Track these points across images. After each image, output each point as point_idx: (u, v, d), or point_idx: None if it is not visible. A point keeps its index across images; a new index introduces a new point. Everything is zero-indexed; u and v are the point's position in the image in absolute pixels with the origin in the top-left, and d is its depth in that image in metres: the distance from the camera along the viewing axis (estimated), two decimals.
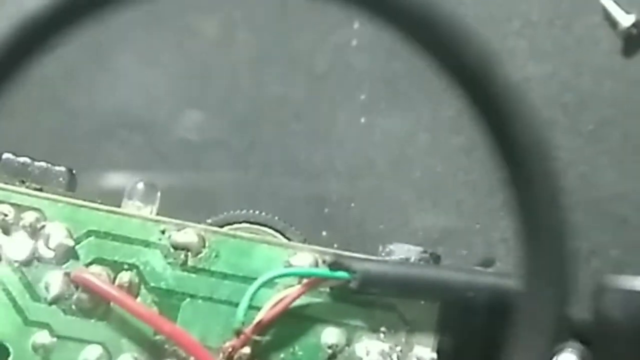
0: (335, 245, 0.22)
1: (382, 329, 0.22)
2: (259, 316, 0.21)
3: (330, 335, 0.22)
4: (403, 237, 0.24)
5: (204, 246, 0.22)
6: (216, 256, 0.22)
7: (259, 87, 0.27)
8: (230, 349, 0.21)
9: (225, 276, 0.22)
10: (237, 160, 0.27)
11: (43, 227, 0.22)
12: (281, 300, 0.22)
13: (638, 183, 0.26)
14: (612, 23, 0.26)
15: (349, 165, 0.28)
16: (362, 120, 0.28)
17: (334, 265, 0.21)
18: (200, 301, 0.22)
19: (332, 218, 0.27)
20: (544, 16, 0.27)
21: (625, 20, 0.26)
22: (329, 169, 0.28)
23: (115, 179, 0.26)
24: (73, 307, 0.22)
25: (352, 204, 0.27)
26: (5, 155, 0.22)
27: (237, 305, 0.21)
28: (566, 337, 0.23)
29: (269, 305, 0.21)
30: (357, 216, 0.27)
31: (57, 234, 0.22)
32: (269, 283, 0.21)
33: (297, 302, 0.21)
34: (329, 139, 0.28)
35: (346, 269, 0.21)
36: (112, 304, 0.22)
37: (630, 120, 0.26)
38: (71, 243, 0.22)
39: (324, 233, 0.27)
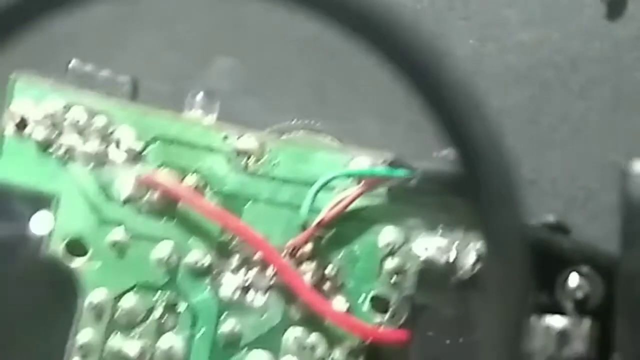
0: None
1: (440, 227, 0.23)
2: (320, 215, 0.22)
3: (388, 234, 0.23)
4: None
5: (264, 152, 0.23)
6: (276, 161, 0.23)
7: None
8: (292, 247, 0.22)
9: (285, 181, 0.23)
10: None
11: (113, 131, 0.22)
12: (341, 200, 0.23)
13: (624, 132, 0.29)
14: None
15: None
16: None
17: (393, 164, 0.22)
18: (261, 204, 0.23)
19: None
20: None
21: None
22: None
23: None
24: (144, 207, 0.23)
25: None
26: (74, 62, 0.23)
27: (297, 208, 0.23)
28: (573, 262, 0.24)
29: (330, 205, 0.22)
30: None
31: (127, 138, 0.22)
32: (330, 183, 0.22)
33: (357, 203, 0.22)
34: None
35: (406, 167, 0.22)
36: (180, 205, 0.22)
37: (617, 76, 0.29)
38: (140, 147, 0.23)
39: None
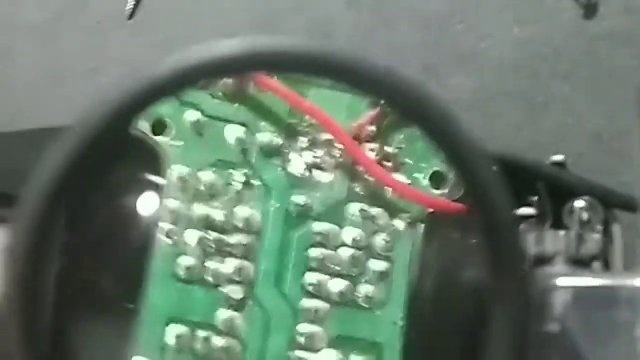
0: None
1: None
2: None
3: None
4: None
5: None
6: None
7: None
8: (357, 127, 0.25)
9: None
10: None
11: None
12: None
13: (601, 107, 0.35)
14: None
15: None
16: None
17: None
18: (325, 90, 0.25)
19: None
20: None
21: None
22: None
23: None
24: (219, 92, 0.25)
25: None
26: None
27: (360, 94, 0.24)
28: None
29: None
30: None
31: None
32: None
33: None
34: None
35: None
36: (251, 90, 0.25)
37: (593, 63, 0.36)
38: None
39: None
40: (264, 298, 0.25)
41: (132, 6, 0.42)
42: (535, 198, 0.30)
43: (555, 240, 0.28)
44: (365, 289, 0.25)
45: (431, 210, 0.25)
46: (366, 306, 0.25)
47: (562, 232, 0.28)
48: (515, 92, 0.35)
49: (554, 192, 0.29)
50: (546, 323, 0.25)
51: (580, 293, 0.25)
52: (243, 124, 0.25)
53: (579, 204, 0.29)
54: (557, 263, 0.28)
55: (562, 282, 0.26)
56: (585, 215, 0.29)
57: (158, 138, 0.25)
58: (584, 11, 0.36)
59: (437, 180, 0.26)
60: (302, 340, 0.25)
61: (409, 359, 0.25)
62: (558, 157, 0.31)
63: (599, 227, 0.28)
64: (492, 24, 0.37)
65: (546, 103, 0.35)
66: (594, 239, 0.28)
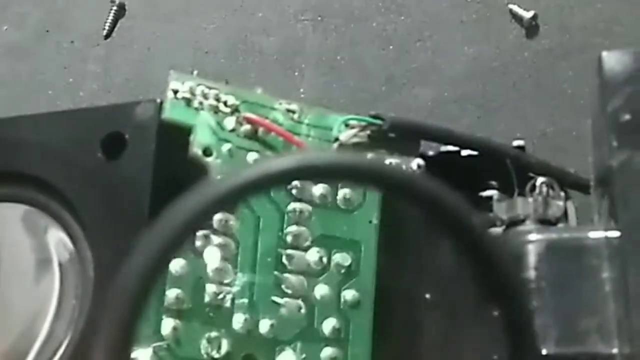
0: None
1: None
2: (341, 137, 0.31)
3: None
4: None
5: (302, 112, 0.32)
6: (309, 116, 0.32)
7: None
8: None
9: (315, 126, 0.32)
10: None
11: (221, 98, 0.32)
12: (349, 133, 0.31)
13: (544, 108, 0.40)
14: (519, 18, 0.41)
15: None
16: None
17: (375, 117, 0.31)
18: (302, 137, 0.32)
19: None
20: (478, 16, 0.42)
21: (527, 14, 0.41)
22: None
23: None
24: (241, 134, 0.31)
25: None
26: None
27: (324, 140, 0.31)
28: None
29: (345, 135, 0.31)
30: None
31: (230, 100, 0.32)
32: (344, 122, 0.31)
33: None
34: None
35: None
36: (260, 132, 0.31)
37: (537, 73, 0.40)
38: (237, 103, 0.31)
39: None
40: (253, 201, 0.29)
41: (108, 26, 0.45)
42: (495, 182, 0.34)
43: (524, 206, 0.32)
44: (343, 192, 0.29)
45: None
46: (344, 207, 0.29)
47: (530, 199, 0.32)
48: (469, 100, 0.40)
49: (517, 170, 0.33)
50: (522, 271, 0.28)
51: (551, 244, 0.29)
52: (257, 152, 0.31)
53: (540, 180, 0.33)
54: (528, 223, 0.32)
55: (534, 236, 0.29)
56: (545, 189, 0.33)
57: (206, 159, 0.30)
58: (526, 31, 0.41)
59: None
60: (289, 238, 0.28)
61: (384, 255, 0.29)
62: (519, 142, 0.35)
63: (561, 195, 0.32)
64: (446, 43, 0.41)
65: (497, 108, 0.40)
66: (557, 204, 0.32)
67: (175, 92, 0.32)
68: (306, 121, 0.33)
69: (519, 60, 0.41)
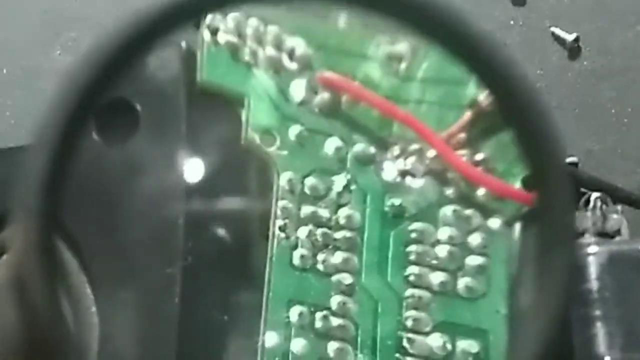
0: None
1: None
2: (481, 97, 0.24)
3: None
4: None
5: (414, 55, 0.25)
6: (427, 64, 0.25)
7: None
8: (448, 135, 0.26)
9: (436, 81, 0.26)
10: None
11: (284, 41, 0.25)
12: None
13: (588, 127, 0.41)
14: (561, 41, 0.43)
15: None
16: None
17: None
18: (412, 105, 0.26)
19: None
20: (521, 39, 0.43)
21: (569, 37, 0.42)
22: None
23: None
24: (315, 108, 0.26)
25: None
26: None
27: (447, 106, 0.26)
28: None
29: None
30: None
31: (298, 47, 0.26)
32: None
33: None
34: None
35: None
36: (344, 105, 0.26)
37: (580, 94, 0.42)
38: (310, 53, 0.25)
39: None
40: (370, 286, 0.27)
41: None
42: None
43: (582, 220, 0.33)
44: (464, 281, 0.27)
45: (528, 207, 0.26)
46: (466, 296, 0.26)
47: (588, 213, 0.33)
48: None
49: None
50: (584, 282, 0.29)
51: (612, 256, 0.30)
52: (339, 136, 0.27)
53: (595, 195, 0.35)
54: (587, 237, 0.33)
55: (594, 249, 0.31)
56: (599, 204, 0.34)
57: (267, 149, 0.26)
58: (568, 53, 0.43)
59: (530, 184, 0.26)
60: (409, 323, 0.26)
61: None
62: (572, 159, 0.36)
63: (618, 209, 0.33)
64: None
65: None
66: (615, 217, 0.33)
67: (214, 31, 0.24)
68: (420, 74, 0.26)
69: (563, 81, 0.42)
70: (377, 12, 0.16)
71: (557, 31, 0.43)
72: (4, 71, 0.47)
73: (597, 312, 0.27)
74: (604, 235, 0.33)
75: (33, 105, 0.45)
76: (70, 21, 0.47)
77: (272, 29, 0.25)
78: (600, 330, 0.27)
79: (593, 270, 0.28)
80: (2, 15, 0.47)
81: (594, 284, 0.28)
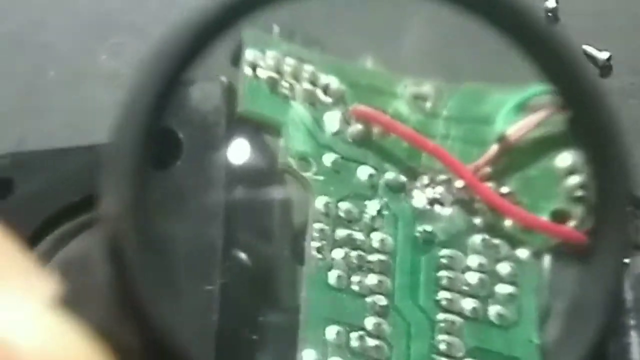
0: None
1: None
2: (510, 133, 0.25)
3: (565, 159, 0.26)
4: None
5: (439, 96, 0.27)
6: (451, 103, 0.27)
7: None
8: (474, 168, 0.26)
9: (460, 119, 0.27)
10: None
11: (319, 78, 0.27)
12: (527, 122, 0.25)
13: None
14: (592, 59, 0.43)
15: None
16: None
17: None
18: (438, 139, 0.28)
19: None
20: None
21: (601, 55, 0.43)
22: None
23: None
24: (349, 138, 0.28)
25: None
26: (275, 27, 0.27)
27: (471, 143, 0.27)
28: None
29: (516, 126, 0.25)
30: None
31: (332, 83, 0.27)
32: (519, 105, 0.26)
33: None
34: None
35: None
36: (375, 136, 0.28)
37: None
38: (343, 89, 0.27)
39: None
40: (403, 309, 0.27)
41: None
42: None
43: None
44: (495, 309, 0.27)
45: (557, 240, 0.26)
46: (498, 323, 0.27)
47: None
48: None
49: None
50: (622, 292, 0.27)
51: None
52: (371, 165, 0.28)
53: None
54: None
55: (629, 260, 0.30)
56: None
57: (304, 173, 0.28)
58: (600, 71, 0.44)
59: (558, 218, 0.27)
60: (442, 347, 0.27)
61: None
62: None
63: None
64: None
65: None
66: None
67: (254, 67, 0.26)
68: (445, 112, 0.27)
69: None
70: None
71: (590, 49, 0.44)
72: (52, 73, 0.48)
73: (632, 322, 0.28)
74: (638, 247, 0.34)
75: (79, 108, 0.47)
76: (117, 26, 0.49)
77: (308, 68, 0.27)
78: (635, 340, 0.27)
79: (628, 280, 0.28)
80: (49, 18, 0.49)
81: (629, 294, 0.28)
